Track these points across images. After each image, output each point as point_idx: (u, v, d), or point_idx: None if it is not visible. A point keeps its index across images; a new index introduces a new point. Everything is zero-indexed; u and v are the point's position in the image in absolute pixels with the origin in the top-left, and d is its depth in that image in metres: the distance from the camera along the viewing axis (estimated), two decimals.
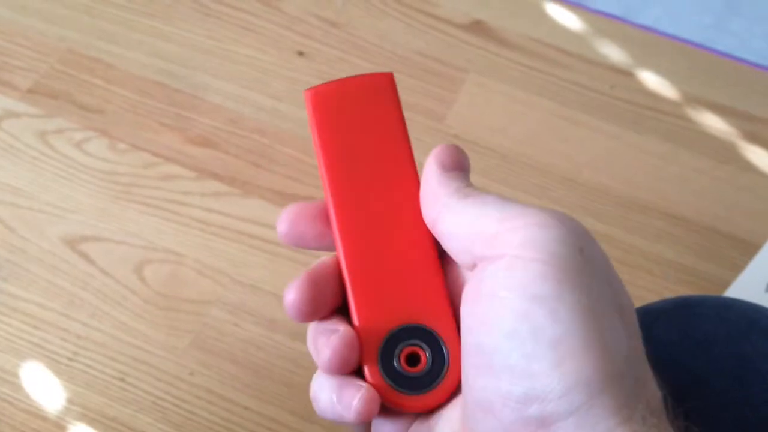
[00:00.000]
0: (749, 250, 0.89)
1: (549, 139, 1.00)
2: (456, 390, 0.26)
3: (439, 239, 0.27)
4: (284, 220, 0.28)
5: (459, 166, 0.28)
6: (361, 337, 0.26)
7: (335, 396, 0.25)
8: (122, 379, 0.80)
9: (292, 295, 0.26)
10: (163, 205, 0.91)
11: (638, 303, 0.91)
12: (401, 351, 0.27)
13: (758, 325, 0.37)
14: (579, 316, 0.21)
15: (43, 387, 0.79)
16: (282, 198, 0.92)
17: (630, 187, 0.96)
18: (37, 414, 0.78)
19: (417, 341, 0.27)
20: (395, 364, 0.26)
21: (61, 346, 0.81)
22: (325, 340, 0.25)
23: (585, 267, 0.22)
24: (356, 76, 0.29)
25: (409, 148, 0.29)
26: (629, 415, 0.21)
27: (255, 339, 0.82)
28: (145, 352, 0.81)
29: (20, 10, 1.07)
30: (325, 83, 0.28)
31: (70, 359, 0.81)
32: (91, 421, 0.77)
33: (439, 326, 0.27)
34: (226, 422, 0.78)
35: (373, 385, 0.26)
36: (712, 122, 1.03)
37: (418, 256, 0.28)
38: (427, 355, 0.26)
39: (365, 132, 0.28)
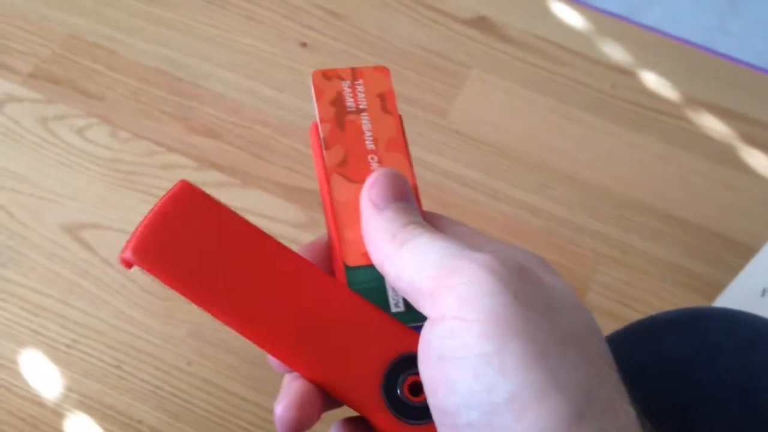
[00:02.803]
0: (745, 253, 0.89)
1: (549, 136, 1.01)
2: None
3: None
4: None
5: (395, 197, 0.27)
6: (360, 370, 0.26)
7: None
8: (120, 368, 0.80)
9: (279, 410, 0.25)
10: (163, 194, 0.91)
11: (634, 303, 0.92)
12: (405, 380, 0.26)
13: (765, 339, 0.37)
14: (529, 366, 0.21)
15: (41, 374, 0.79)
16: (282, 189, 0.92)
17: (628, 186, 0.97)
18: (34, 400, 0.78)
19: (417, 369, 0.26)
20: (398, 393, 0.26)
21: (60, 333, 0.82)
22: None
23: (523, 312, 0.22)
24: (157, 205, 0.27)
25: (257, 230, 0.27)
26: None
27: None
28: (143, 340, 0.82)
29: None
30: (136, 231, 0.26)
31: (68, 346, 0.81)
32: (88, 409, 0.78)
33: None
34: (222, 412, 0.78)
35: (377, 416, 0.26)
36: (711, 124, 1.04)
37: (359, 306, 0.27)
38: None
39: (211, 241, 0.26)
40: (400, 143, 0.30)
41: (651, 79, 1.07)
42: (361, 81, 0.31)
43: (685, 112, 1.05)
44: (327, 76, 0.31)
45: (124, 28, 1.05)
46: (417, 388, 0.26)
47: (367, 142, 0.30)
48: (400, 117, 0.31)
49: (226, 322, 0.26)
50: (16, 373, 0.79)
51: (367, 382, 0.26)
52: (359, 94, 0.31)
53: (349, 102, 0.30)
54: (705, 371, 0.36)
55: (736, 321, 0.38)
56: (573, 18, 1.13)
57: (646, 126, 1.03)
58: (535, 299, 0.23)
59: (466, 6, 1.12)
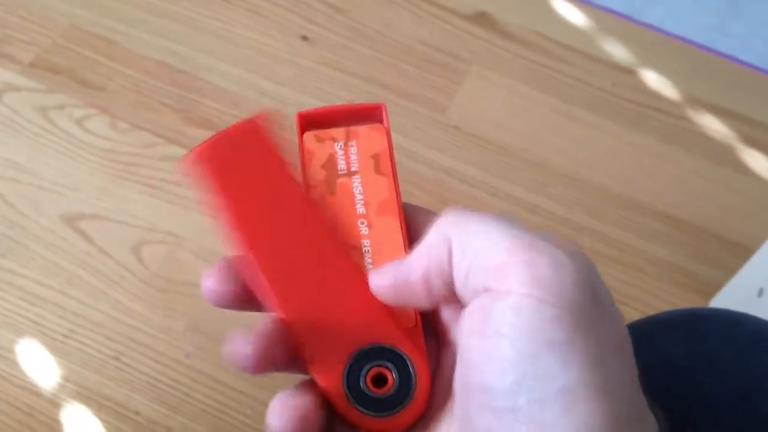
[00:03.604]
0: (742, 253, 0.90)
1: (549, 134, 1.01)
2: (424, 412, 0.26)
3: None
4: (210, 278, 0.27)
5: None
6: (323, 359, 0.26)
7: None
8: (118, 359, 0.80)
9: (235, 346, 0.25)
10: (162, 186, 0.91)
11: (632, 302, 0.92)
12: (368, 372, 0.26)
13: (765, 341, 0.37)
14: (588, 364, 0.21)
15: (39, 363, 0.79)
16: None
17: (627, 186, 0.97)
18: (31, 390, 0.78)
19: (384, 362, 0.26)
20: (361, 385, 0.26)
21: (58, 323, 0.82)
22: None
23: (596, 311, 0.22)
24: (230, 127, 0.28)
25: (298, 185, 0.28)
26: None
27: (251, 323, 0.82)
28: (142, 332, 0.82)
29: None
30: (203, 143, 0.28)
31: (66, 336, 0.81)
32: (85, 399, 0.78)
33: (407, 348, 0.26)
34: (220, 405, 0.78)
35: (338, 406, 0.25)
36: (711, 124, 1.04)
37: (357, 284, 0.27)
38: (394, 376, 0.26)
39: (259, 179, 0.28)
40: (392, 205, 0.29)
41: (652, 78, 1.08)
42: (354, 142, 0.30)
43: (685, 111, 1.05)
44: (319, 138, 0.30)
45: (126, 20, 1.04)
46: (380, 380, 0.26)
47: (357, 206, 0.29)
48: (395, 174, 0.29)
49: (237, 241, 0.27)
50: (14, 363, 0.79)
51: (334, 359, 0.26)
52: (351, 156, 0.29)
53: (341, 164, 0.29)
54: (705, 374, 0.36)
55: (736, 323, 0.38)
56: (574, 15, 1.13)
57: (646, 125, 1.03)
58: (604, 300, 0.22)
59: (467, 2, 1.12)
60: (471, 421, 0.23)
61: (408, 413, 0.26)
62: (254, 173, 0.28)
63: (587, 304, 0.22)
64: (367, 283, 0.27)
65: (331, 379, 0.26)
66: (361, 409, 0.25)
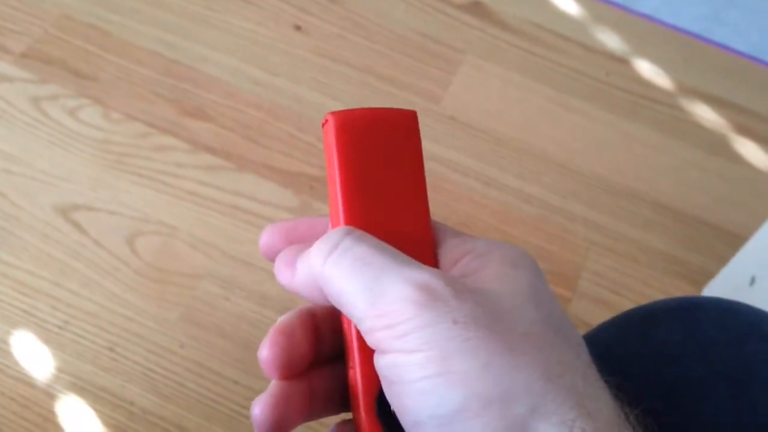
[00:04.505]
0: (735, 242, 0.90)
1: (544, 124, 1.01)
2: None
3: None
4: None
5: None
6: (361, 383, 0.26)
7: None
8: (112, 350, 0.80)
9: (265, 352, 0.26)
10: (156, 176, 0.91)
11: (625, 291, 0.92)
12: None
13: (760, 330, 0.37)
14: (472, 380, 0.22)
15: (33, 354, 0.79)
16: (276, 174, 0.92)
17: (621, 175, 0.97)
18: (26, 381, 0.78)
19: None
20: (392, 409, 0.25)
21: (52, 314, 0.82)
22: None
23: (464, 333, 0.22)
24: (383, 108, 0.28)
25: (424, 187, 0.28)
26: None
27: (245, 314, 0.82)
28: (136, 323, 0.82)
29: None
30: (349, 110, 0.28)
31: (60, 328, 0.81)
32: (80, 390, 0.78)
33: None
34: (214, 395, 0.78)
35: (364, 416, 0.26)
36: (705, 113, 1.04)
37: None
38: None
39: (383, 162, 0.27)
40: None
41: (646, 68, 1.08)
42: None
43: (678, 101, 1.05)
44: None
45: (119, 9, 1.04)
46: None
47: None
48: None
49: (337, 208, 0.27)
50: (8, 354, 0.79)
51: (374, 375, 0.25)
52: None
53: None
54: (699, 362, 0.36)
55: (731, 312, 0.38)
56: (569, 5, 1.12)
57: (640, 115, 1.03)
58: (476, 315, 0.23)
59: None
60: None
61: None
62: (384, 154, 0.28)
63: (450, 334, 0.22)
64: None
65: (364, 406, 0.26)
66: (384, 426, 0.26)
